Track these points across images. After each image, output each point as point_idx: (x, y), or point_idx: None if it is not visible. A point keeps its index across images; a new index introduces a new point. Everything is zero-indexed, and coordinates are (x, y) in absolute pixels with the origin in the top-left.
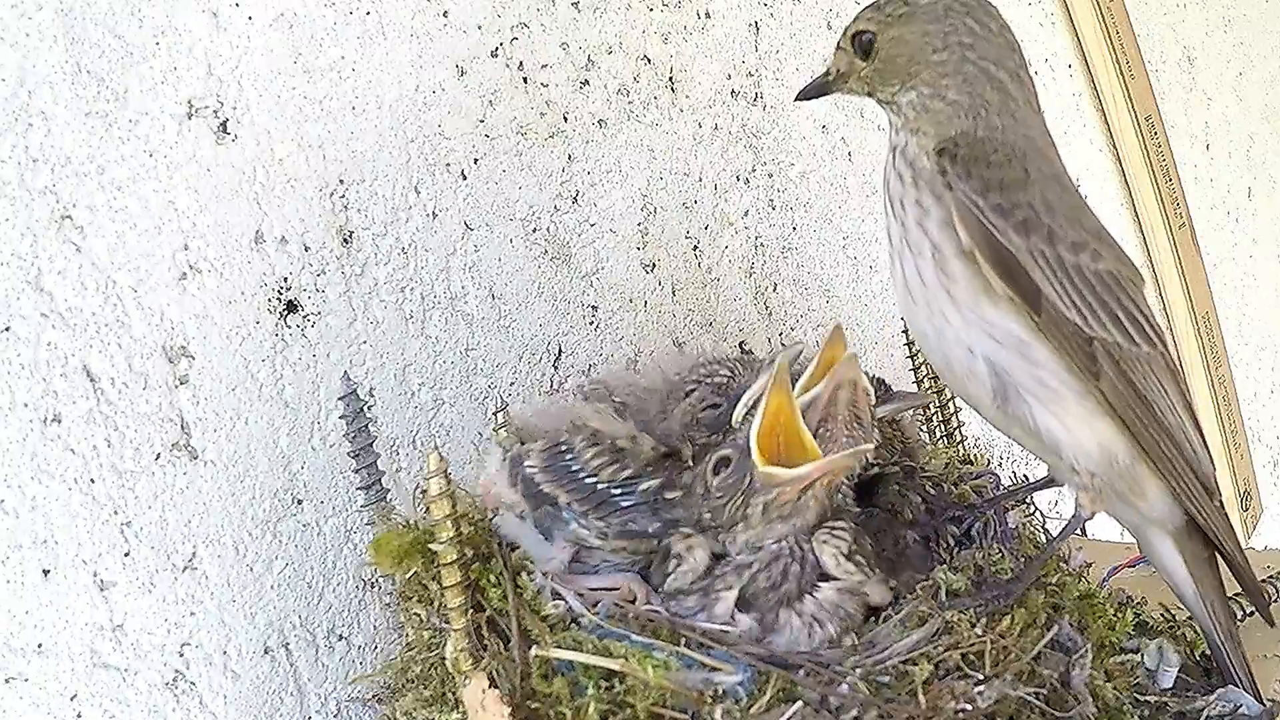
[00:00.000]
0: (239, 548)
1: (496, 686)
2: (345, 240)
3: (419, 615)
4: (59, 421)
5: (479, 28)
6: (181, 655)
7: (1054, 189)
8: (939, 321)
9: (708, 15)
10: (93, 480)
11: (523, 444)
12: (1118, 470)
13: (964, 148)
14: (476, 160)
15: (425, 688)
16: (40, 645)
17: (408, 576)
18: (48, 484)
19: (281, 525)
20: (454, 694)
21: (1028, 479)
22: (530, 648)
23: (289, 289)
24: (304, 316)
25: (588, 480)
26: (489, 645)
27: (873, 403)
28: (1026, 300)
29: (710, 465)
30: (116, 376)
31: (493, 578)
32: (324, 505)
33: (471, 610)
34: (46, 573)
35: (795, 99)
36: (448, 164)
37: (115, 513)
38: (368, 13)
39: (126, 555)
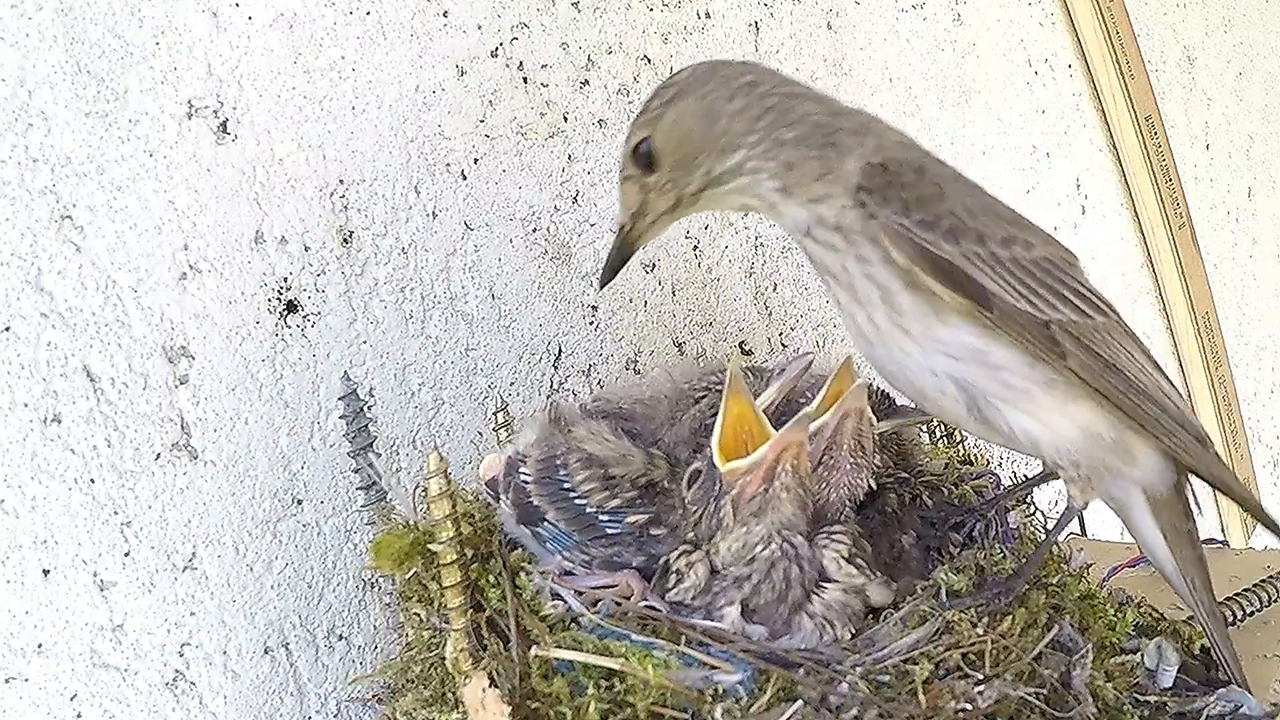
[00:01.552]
0: (239, 548)
1: (496, 686)
2: (345, 240)
3: (419, 615)
4: (59, 421)
5: (479, 28)
6: (181, 655)
7: (962, 191)
8: (900, 356)
9: (708, 15)
10: (93, 480)
11: (529, 452)
12: (1105, 446)
13: (875, 178)
14: (476, 160)
15: (425, 688)
16: (40, 645)
17: (408, 577)
18: (48, 484)
19: (281, 525)
20: (454, 694)
21: (1027, 478)
22: (530, 647)
23: (289, 289)
24: (304, 316)
25: (578, 502)
26: (489, 645)
27: (874, 427)
28: (976, 301)
29: (685, 481)
30: (116, 376)
31: (492, 578)
32: (324, 505)
33: (471, 610)
34: (46, 573)
35: (600, 287)
36: (448, 164)
37: (115, 513)
38: (368, 13)
39: (126, 555)
